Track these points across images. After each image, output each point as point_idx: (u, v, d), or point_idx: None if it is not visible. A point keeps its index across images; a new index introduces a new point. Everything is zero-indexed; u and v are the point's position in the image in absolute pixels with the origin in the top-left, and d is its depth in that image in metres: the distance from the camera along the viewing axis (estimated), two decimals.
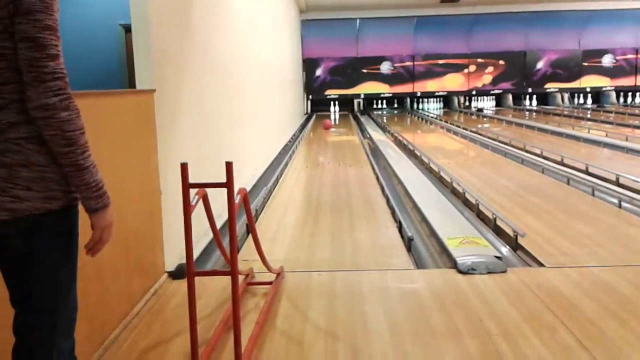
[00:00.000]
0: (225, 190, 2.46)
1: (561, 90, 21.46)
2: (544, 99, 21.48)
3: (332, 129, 15.69)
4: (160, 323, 3.05)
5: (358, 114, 19.93)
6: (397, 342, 2.78)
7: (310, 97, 20.98)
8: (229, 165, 2.29)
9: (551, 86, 21.29)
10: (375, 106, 21.63)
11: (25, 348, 1.71)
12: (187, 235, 2.36)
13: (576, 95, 21.72)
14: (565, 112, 17.69)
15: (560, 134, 11.98)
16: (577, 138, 11.23)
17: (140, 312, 3.14)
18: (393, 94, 21.17)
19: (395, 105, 21.70)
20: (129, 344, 2.77)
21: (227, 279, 3.39)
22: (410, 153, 10.12)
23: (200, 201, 2.53)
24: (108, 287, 2.81)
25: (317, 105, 21.00)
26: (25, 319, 1.71)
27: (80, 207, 1.72)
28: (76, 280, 1.77)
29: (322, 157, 10.30)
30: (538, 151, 9.22)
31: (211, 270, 3.86)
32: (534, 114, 18.45)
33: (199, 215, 2.64)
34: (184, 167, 2.29)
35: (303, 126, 16.34)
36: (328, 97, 20.98)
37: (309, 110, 20.91)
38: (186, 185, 2.30)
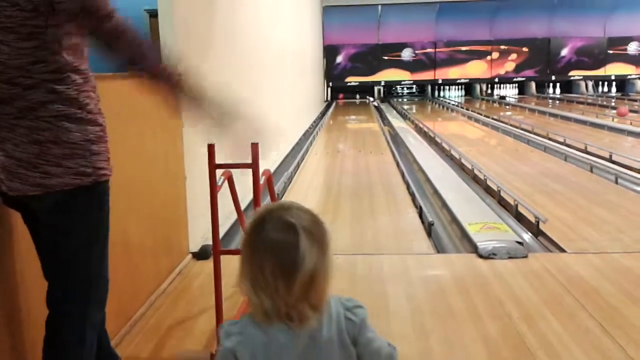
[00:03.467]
0: (247, 173, 2.50)
1: (585, 78, 21.14)
2: (568, 86, 21.17)
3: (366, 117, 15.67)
4: (185, 301, 3.12)
5: (378, 102, 19.87)
6: (418, 323, 2.82)
7: (331, 84, 20.95)
8: (254, 147, 2.33)
9: (575, 74, 20.98)
10: (395, 93, 21.53)
11: (58, 320, 1.76)
12: (213, 215, 2.41)
13: (601, 83, 21.38)
14: (589, 101, 17.44)
15: (584, 122, 11.83)
16: (601, 126, 11.08)
17: (166, 290, 3.21)
18: (414, 81, 21.04)
19: (416, 93, 21.57)
20: (156, 320, 2.85)
21: None
22: (431, 140, 10.09)
23: (225, 183, 2.59)
24: (136, 265, 2.88)
25: (338, 92, 20.96)
26: (58, 292, 1.76)
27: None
28: (107, 255, 1.83)
29: (342, 144, 10.32)
30: (561, 139, 9.13)
31: (236, 249, 3.89)
32: (558, 102, 18.23)
33: (220, 198, 2.69)
34: (210, 147, 2.33)
35: (323, 113, 16.35)
36: (348, 84, 20.93)
37: (329, 98, 20.89)
38: (213, 166, 2.34)
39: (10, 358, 1.86)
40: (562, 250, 3.91)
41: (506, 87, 21.32)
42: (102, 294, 1.84)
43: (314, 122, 13.66)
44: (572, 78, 21.06)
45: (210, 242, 3.91)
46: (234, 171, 2.63)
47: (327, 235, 1.11)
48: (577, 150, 8.13)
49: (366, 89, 21.01)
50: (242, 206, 3.14)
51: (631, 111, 12.82)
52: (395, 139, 10.45)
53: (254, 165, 2.35)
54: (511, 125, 11.67)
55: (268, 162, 6.91)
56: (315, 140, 10.55)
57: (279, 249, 1.06)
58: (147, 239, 3.05)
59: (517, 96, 20.78)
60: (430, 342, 2.62)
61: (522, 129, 10.88)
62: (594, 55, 20.79)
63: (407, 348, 2.55)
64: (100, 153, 1.71)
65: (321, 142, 10.49)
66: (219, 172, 2.49)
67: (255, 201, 2.44)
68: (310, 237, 1.07)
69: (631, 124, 10.90)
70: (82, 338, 1.76)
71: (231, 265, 3.51)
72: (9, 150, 1.61)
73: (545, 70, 20.93)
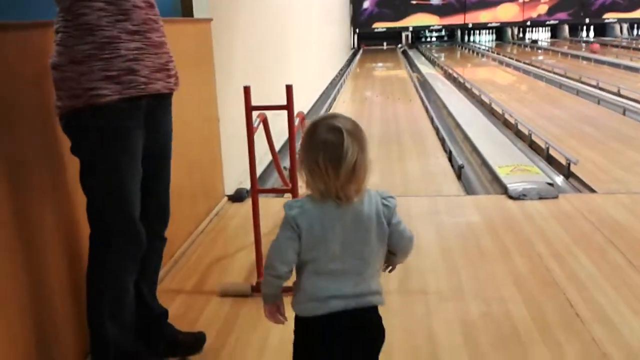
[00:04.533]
0: (279, 116, 2.54)
1: (620, 21, 20.42)
2: (602, 30, 20.51)
3: (378, 64, 15.50)
4: (223, 240, 3.25)
5: (406, 48, 19.55)
6: (448, 260, 2.90)
7: (357, 30, 20.62)
8: (289, 88, 2.38)
9: (610, 16, 20.28)
10: (424, 38, 21.13)
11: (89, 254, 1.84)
12: (250, 156, 2.48)
13: (636, 25, 20.65)
14: (624, 44, 16.91)
15: (617, 66, 11.55)
16: (635, 69, 10.81)
17: (204, 230, 3.34)
18: (443, 26, 20.59)
19: (445, 38, 21.14)
20: (196, 258, 2.98)
21: (282, 202, 3.56)
22: (461, 86, 9.97)
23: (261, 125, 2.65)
24: (176, 207, 2.95)
25: (364, 39, 20.64)
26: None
27: None
28: (130, 196, 1.78)
29: (370, 91, 10.27)
30: (594, 83, 8.95)
31: (272, 188, 3.99)
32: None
33: (258, 142, 2.74)
34: (246, 90, 2.38)
35: (350, 61, 16.20)
36: (375, 30, 20.57)
37: (356, 45, 20.61)
38: (249, 108, 2.40)
39: (75, 291, 1.99)
40: (593, 191, 3.92)
41: (538, 31, 20.74)
42: (124, 237, 1.80)
43: (341, 69, 13.55)
44: (606, 21, 20.36)
45: (243, 186, 4.04)
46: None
47: (365, 137, 1.40)
48: (610, 93, 7.98)
49: (393, 35, 20.66)
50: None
51: None
52: (424, 85, 10.35)
53: (288, 107, 2.40)
54: (543, 69, 11.44)
55: (296, 110, 6.95)
56: (343, 88, 10.51)
57: (328, 145, 1.34)
58: (184, 182, 3.15)
59: (549, 40, 20.22)
60: (460, 278, 2.70)
61: (554, 73, 10.67)
62: None
63: (439, 283, 2.65)
64: (90, 72, 1.65)
65: (348, 90, 10.45)
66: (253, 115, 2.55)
67: (290, 142, 2.50)
68: (352, 137, 1.35)
69: None
70: (101, 280, 1.80)
71: (266, 206, 3.63)
72: None
73: (579, 12, 20.27)
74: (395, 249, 1.48)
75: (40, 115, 1.83)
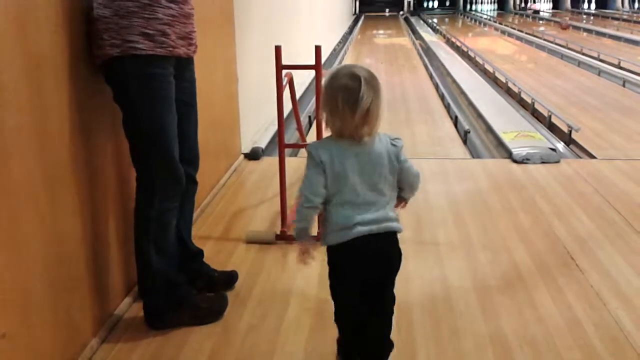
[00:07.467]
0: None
1: None
2: (603, 2, 20.49)
3: (381, 31, 15.51)
4: (243, 194, 3.43)
5: (408, 15, 19.50)
6: (456, 213, 3.10)
7: None
8: (318, 49, 2.53)
9: None
10: (425, 7, 21.05)
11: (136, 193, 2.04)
12: (279, 113, 2.64)
13: None
14: (625, 17, 16.94)
15: (618, 38, 11.66)
16: (635, 42, 10.93)
17: (225, 184, 3.52)
18: None
19: (447, 6, 21.08)
20: (221, 208, 3.17)
21: (298, 161, 3.75)
22: (464, 55, 10.07)
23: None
24: (201, 160, 3.16)
25: (365, 4, 20.54)
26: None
27: None
28: (163, 126, 1.94)
29: (374, 58, 10.36)
30: (595, 54, 9.08)
31: (297, 143, 4.13)
32: (592, 17, 17.73)
33: (268, 103, 2.86)
34: (277, 50, 2.53)
35: (352, 28, 16.19)
36: None
37: (358, 11, 20.52)
38: (279, 67, 2.55)
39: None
40: (593, 157, 4.12)
41: (540, 1, 20.69)
42: (167, 174, 1.98)
43: (344, 35, 13.59)
44: None
45: (258, 145, 4.21)
46: None
47: (379, 85, 1.60)
48: (611, 65, 8.13)
49: (395, 2, 20.58)
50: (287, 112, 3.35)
51: None
52: (428, 52, 10.45)
53: (317, 67, 2.56)
54: (545, 40, 11.54)
55: (302, 77, 7.06)
56: (347, 55, 10.58)
57: (347, 89, 1.55)
58: (208, 138, 3.31)
59: (551, 11, 20.19)
60: (468, 231, 2.90)
61: (556, 44, 10.78)
62: None
63: (449, 235, 2.85)
64: (130, 27, 1.82)
65: (352, 57, 10.53)
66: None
67: (317, 99, 2.66)
68: (367, 84, 1.55)
69: None
70: (147, 215, 2.00)
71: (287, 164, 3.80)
72: None
73: None
74: (403, 184, 1.69)
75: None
